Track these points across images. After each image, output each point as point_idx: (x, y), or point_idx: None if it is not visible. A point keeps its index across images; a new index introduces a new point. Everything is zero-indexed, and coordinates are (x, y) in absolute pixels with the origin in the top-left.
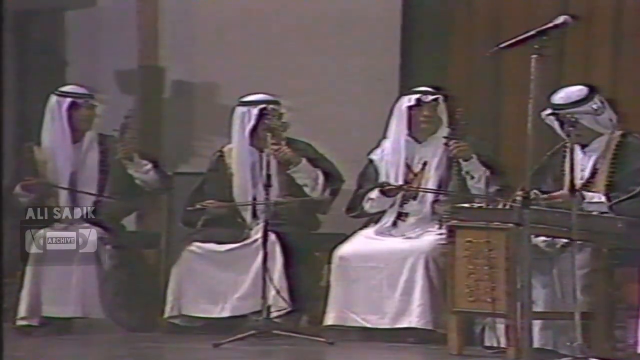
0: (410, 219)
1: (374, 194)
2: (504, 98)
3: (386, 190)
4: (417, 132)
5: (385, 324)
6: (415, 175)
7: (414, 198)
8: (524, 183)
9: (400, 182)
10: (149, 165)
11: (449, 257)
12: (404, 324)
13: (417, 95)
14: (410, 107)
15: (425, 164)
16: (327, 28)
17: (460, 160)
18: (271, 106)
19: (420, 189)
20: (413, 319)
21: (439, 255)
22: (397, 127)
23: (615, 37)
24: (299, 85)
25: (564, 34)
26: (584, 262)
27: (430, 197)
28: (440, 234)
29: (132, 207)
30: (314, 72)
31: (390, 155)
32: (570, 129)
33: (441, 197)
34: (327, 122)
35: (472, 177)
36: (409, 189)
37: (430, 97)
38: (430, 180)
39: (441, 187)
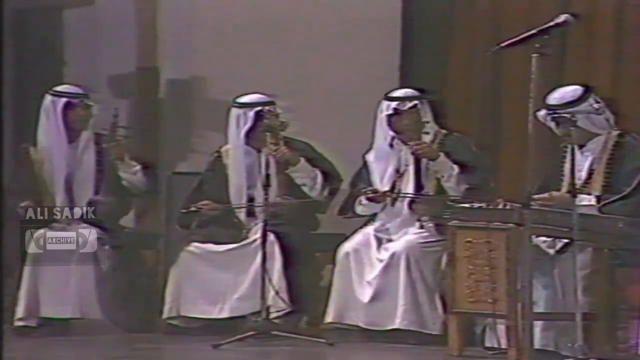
0: (397, 220)
1: (364, 199)
2: (504, 97)
3: (372, 197)
4: (402, 135)
5: (377, 325)
6: (400, 176)
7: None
8: (527, 183)
9: (387, 185)
10: (138, 167)
11: (449, 258)
12: (390, 326)
13: (394, 104)
14: (389, 115)
15: (408, 165)
16: (327, 27)
17: (429, 161)
18: (267, 107)
19: (404, 195)
20: (397, 320)
21: (419, 253)
22: (380, 131)
23: (617, 36)
24: (298, 84)
25: (565, 33)
26: (585, 263)
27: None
28: (420, 233)
29: (128, 206)
30: (313, 71)
31: (377, 158)
32: (572, 128)
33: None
34: (327, 122)
35: (442, 176)
36: (392, 195)
37: (408, 105)
38: (410, 182)
39: (418, 188)
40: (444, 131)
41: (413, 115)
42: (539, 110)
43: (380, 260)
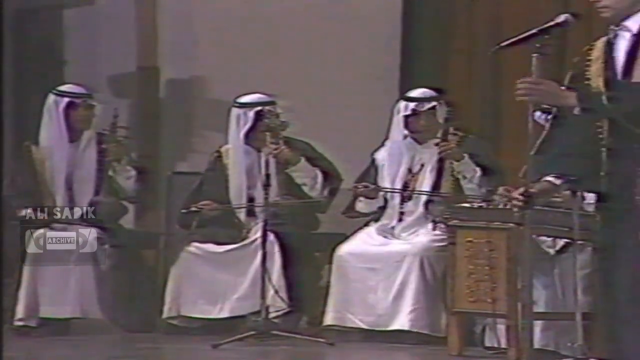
0: (407, 220)
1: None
2: (504, 97)
3: (360, 193)
4: (417, 134)
5: (381, 325)
6: (413, 176)
7: (409, 198)
8: (527, 183)
9: (399, 185)
10: (133, 173)
11: (449, 258)
12: (398, 327)
13: (413, 105)
14: (406, 116)
15: (423, 165)
16: (327, 26)
17: (453, 161)
18: (267, 107)
19: (410, 191)
20: (406, 322)
21: (434, 256)
22: (396, 131)
23: None
24: (298, 84)
25: (565, 33)
26: (585, 263)
27: (423, 197)
28: (435, 235)
29: (125, 207)
30: (313, 71)
31: (390, 156)
32: None
33: (435, 198)
34: (327, 121)
35: (465, 177)
36: (386, 190)
37: (427, 106)
38: (425, 182)
39: (435, 189)
40: (460, 133)
41: (430, 117)
42: (534, 111)
43: (387, 260)
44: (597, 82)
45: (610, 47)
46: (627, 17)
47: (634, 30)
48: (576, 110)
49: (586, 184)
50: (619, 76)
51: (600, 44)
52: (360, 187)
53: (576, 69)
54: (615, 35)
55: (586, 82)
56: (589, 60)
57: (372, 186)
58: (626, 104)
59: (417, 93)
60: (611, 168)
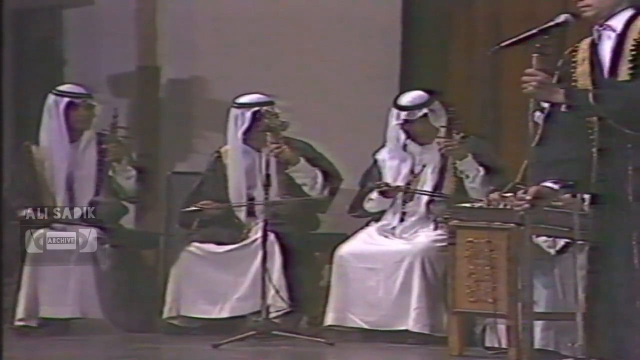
0: (409, 220)
1: (374, 194)
2: (504, 97)
3: (384, 191)
4: (416, 137)
5: (382, 325)
6: (415, 176)
7: (411, 199)
8: (527, 183)
9: (400, 183)
10: (133, 172)
11: (449, 258)
12: (400, 327)
13: (404, 114)
14: (401, 123)
15: (424, 166)
16: (327, 27)
17: (456, 160)
18: (265, 108)
19: (417, 191)
20: (410, 323)
21: (435, 256)
22: (394, 135)
23: None
24: (299, 84)
25: (565, 33)
26: (586, 263)
27: (425, 197)
28: (436, 234)
29: (125, 207)
30: (313, 71)
31: (391, 158)
32: None
33: (436, 198)
34: (327, 121)
35: (467, 177)
36: (406, 190)
37: (418, 114)
38: (427, 183)
39: (437, 190)
40: (461, 133)
41: (425, 123)
42: (534, 111)
43: (388, 260)
44: (584, 83)
45: (595, 47)
46: (610, 16)
47: (618, 29)
48: (563, 107)
49: (583, 187)
50: (606, 76)
51: (584, 45)
52: (382, 185)
53: (562, 71)
54: (600, 36)
55: (573, 83)
56: (574, 62)
57: (393, 185)
58: (613, 103)
59: (409, 98)
60: (603, 168)
